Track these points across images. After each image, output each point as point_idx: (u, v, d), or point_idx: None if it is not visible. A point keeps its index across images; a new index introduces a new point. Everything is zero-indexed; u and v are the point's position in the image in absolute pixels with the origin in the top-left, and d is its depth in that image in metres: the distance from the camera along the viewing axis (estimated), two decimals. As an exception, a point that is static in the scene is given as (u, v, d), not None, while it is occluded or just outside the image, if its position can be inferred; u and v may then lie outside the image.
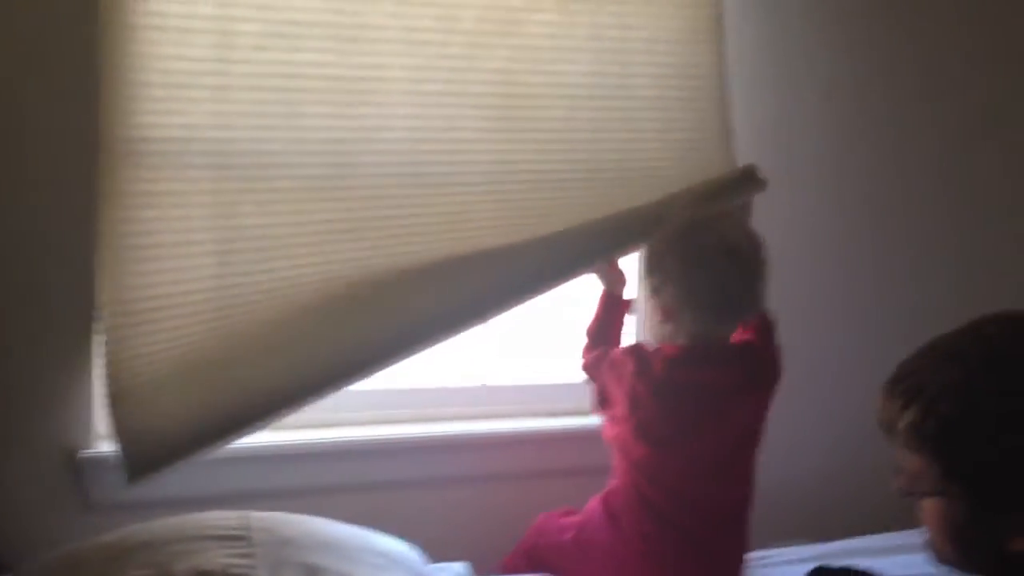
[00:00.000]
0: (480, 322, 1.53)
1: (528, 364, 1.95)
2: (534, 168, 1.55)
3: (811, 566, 1.24)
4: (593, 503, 1.52)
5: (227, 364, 1.38)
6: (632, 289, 1.65)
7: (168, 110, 1.35)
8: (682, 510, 1.41)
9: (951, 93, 1.88)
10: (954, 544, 0.92)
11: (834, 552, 1.48)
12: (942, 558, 0.96)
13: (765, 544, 1.54)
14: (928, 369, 0.92)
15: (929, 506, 0.93)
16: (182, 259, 1.36)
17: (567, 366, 1.70)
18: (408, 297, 1.48)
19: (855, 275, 1.86)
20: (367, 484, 1.60)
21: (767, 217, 1.62)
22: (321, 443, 1.60)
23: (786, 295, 1.57)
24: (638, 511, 1.42)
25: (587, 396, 1.56)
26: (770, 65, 1.78)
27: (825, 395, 1.81)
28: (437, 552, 1.32)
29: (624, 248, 1.62)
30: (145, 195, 1.34)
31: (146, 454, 1.36)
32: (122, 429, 1.36)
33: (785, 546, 1.55)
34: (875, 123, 1.85)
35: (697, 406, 1.41)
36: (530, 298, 1.55)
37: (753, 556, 1.47)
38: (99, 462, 1.47)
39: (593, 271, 1.60)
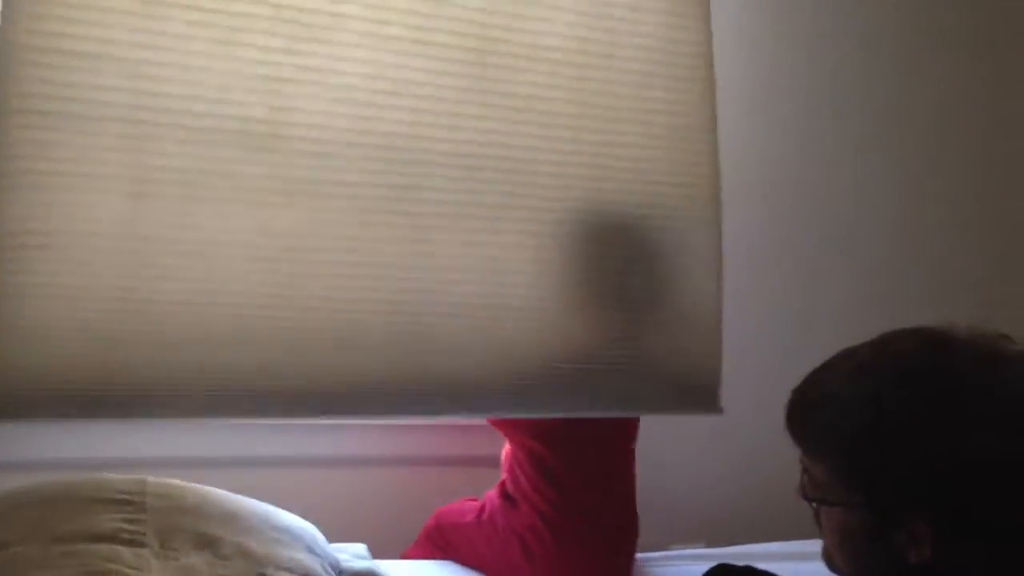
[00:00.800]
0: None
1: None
2: (505, 142, 1.45)
3: (711, 565, 1.30)
4: (491, 492, 1.57)
5: (127, 330, 1.29)
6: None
7: (82, 19, 1.23)
8: (583, 484, 1.48)
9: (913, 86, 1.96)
10: (850, 553, 0.95)
11: (735, 555, 1.55)
12: (837, 567, 0.98)
13: (664, 545, 1.62)
14: (837, 380, 0.95)
15: (828, 514, 0.96)
16: (87, 193, 1.27)
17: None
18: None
19: (791, 274, 1.93)
20: (267, 459, 1.60)
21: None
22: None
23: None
24: (538, 486, 1.48)
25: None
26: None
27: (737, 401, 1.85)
28: (333, 532, 1.33)
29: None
30: (46, 114, 1.24)
31: (10, 395, 1.27)
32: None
33: (684, 547, 1.63)
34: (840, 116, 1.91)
35: None
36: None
37: (653, 556, 1.55)
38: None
39: None
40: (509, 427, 1.53)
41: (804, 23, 1.87)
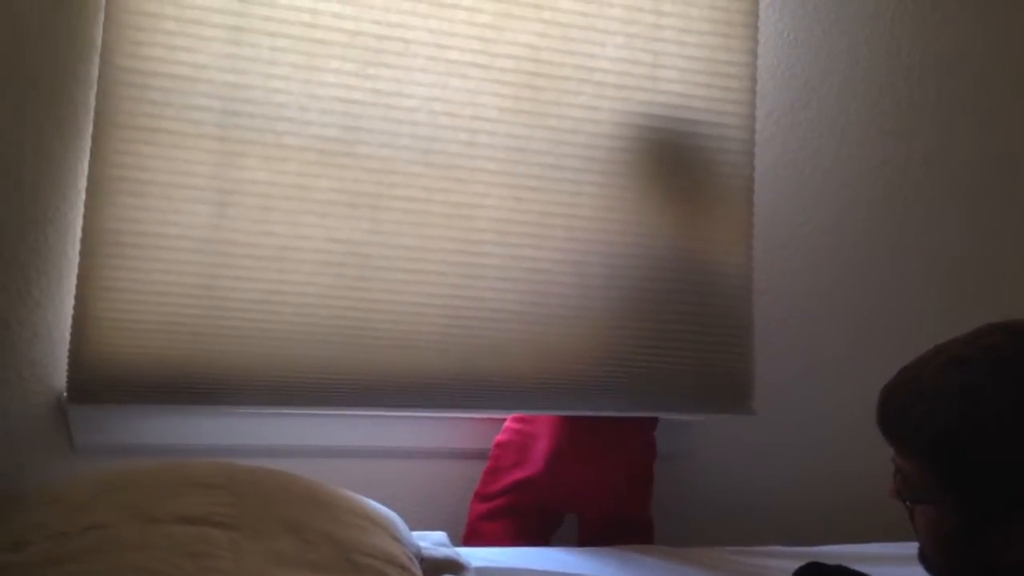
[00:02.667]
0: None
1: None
2: (551, 163, 1.62)
3: (801, 563, 1.32)
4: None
5: (208, 325, 1.44)
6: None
7: (177, 45, 1.43)
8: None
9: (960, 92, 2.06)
10: (945, 553, 0.96)
11: (821, 556, 1.58)
12: (933, 568, 0.99)
13: (746, 542, 1.65)
14: (931, 375, 0.95)
15: (922, 513, 0.96)
16: (177, 201, 1.43)
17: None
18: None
19: (855, 276, 1.99)
20: (348, 449, 1.67)
21: (775, 211, 1.79)
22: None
23: (785, 293, 1.72)
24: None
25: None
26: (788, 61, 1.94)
27: (821, 398, 1.93)
28: (413, 521, 1.38)
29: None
30: (144, 129, 1.42)
31: (95, 383, 1.41)
32: (78, 351, 1.41)
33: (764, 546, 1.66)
34: (887, 126, 2.01)
35: None
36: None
37: (737, 550, 1.59)
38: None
39: None
40: None
41: (850, 52, 1.97)
